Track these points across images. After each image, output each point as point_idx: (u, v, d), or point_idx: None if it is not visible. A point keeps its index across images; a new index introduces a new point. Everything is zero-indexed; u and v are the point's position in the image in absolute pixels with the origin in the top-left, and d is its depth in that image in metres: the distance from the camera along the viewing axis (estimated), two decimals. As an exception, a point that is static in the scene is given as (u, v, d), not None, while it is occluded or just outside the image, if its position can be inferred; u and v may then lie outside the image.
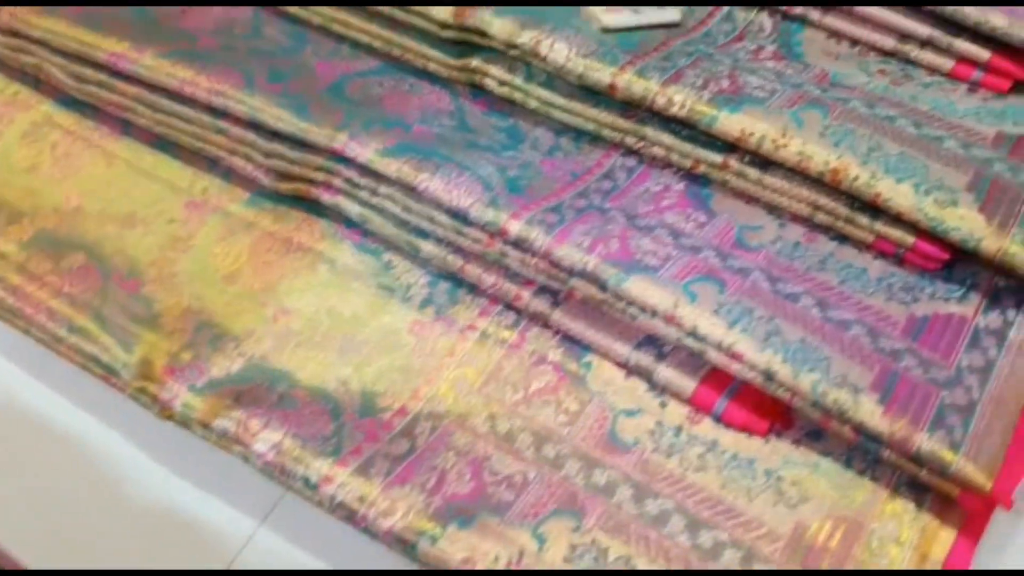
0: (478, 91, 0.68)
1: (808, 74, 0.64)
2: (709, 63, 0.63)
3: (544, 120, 0.66)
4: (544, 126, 0.66)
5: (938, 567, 0.51)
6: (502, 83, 0.66)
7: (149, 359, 0.58)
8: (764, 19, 0.70)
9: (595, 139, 0.65)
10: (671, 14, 0.68)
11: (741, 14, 0.70)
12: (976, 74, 0.64)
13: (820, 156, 0.56)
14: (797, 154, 0.57)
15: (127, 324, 0.61)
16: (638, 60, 0.62)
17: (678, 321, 0.53)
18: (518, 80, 0.65)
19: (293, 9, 0.72)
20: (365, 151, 0.61)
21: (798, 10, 0.68)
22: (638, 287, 0.54)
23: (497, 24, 0.64)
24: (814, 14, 0.68)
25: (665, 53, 0.64)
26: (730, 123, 0.58)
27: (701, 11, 0.70)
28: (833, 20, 0.68)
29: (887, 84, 0.64)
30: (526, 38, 0.63)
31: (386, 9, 0.67)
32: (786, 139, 0.57)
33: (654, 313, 0.54)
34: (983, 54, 0.63)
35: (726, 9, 0.70)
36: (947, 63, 0.65)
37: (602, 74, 0.61)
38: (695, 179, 0.62)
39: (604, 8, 0.67)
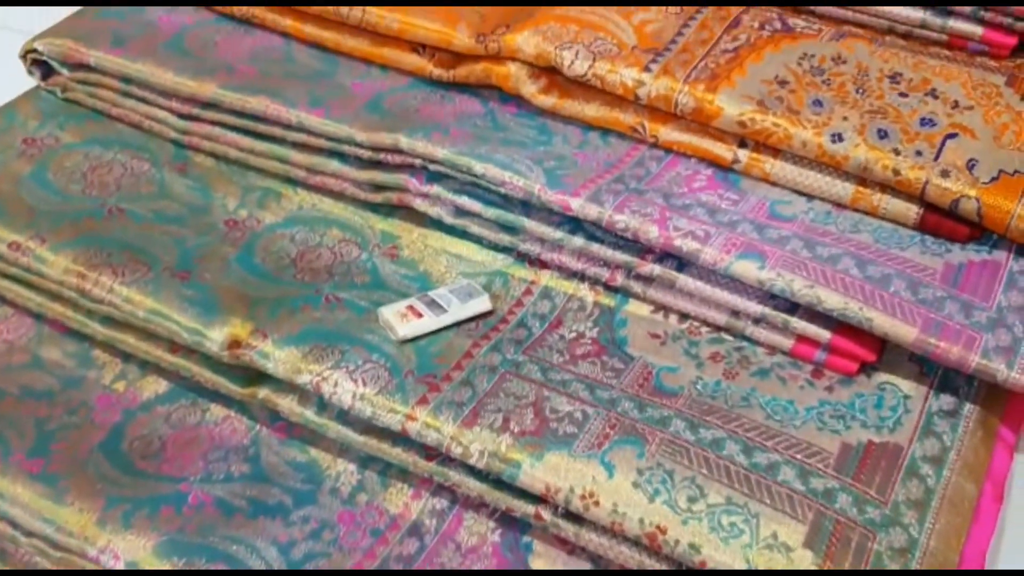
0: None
1: (628, 378, 0.56)
2: (515, 381, 0.55)
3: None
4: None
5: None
6: (295, 414, 0.57)
7: None
8: (585, 293, 0.61)
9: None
10: (479, 304, 0.60)
11: (561, 288, 0.62)
12: (819, 354, 0.56)
13: (634, 515, 0.48)
14: (609, 514, 0.49)
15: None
16: (434, 391, 0.54)
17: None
18: (310, 413, 0.57)
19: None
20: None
21: (620, 281, 0.60)
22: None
23: (276, 360, 0.55)
24: (636, 287, 0.60)
25: (468, 370, 0.55)
26: (532, 478, 0.50)
27: (517, 286, 0.62)
28: (656, 293, 0.59)
29: (719, 379, 0.56)
30: (307, 378, 0.55)
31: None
32: (595, 496, 0.49)
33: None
34: (823, 333, 0.55)
35: (543, 285, 0.62)
36: (786, 342, 0.57)
37: (392, 418, 0.53)
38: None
39: (400, 312, 0.58)
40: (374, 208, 0.67)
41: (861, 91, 0.62)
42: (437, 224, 0.65)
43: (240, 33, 0.76)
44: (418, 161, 0.63)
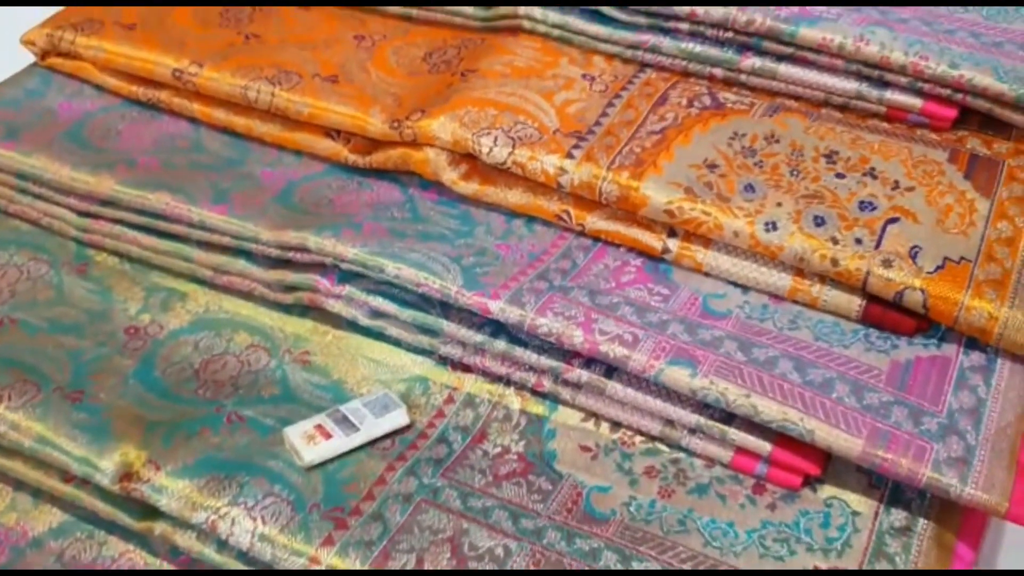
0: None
1: (555, 502, 0.50)
2: (432, 512, 0.50)
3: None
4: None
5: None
6: (193, 551, 0.52)
7: None
8: (511, 399, 0.57)
9: None
10: (395, 418, 0.54)
11: (486, 394, 0.57)
12: (760, 467, 0.51)
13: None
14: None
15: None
16: (341, 527, 0.48)
17: None
18: (209, 551, 0.51)
19: None
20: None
21: (547, 386, 0.55)
22: None
23: (169, 495, 0.50)
24: (565, 393, 0.55)
25: (380, 500, 0.50)
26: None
27: (439, 393, 0.57)
28: (587, 400, 0.55)
29: (654, 499, 0.51)
30: (202, 516, 0.49)
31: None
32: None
33: None
34: (763, 445, 0.50)
35: (466, 392, 0.57)
36: (725, 454, 0.52)
37: (294, 561, 0.47)
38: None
39: (307, 433, 0.53)
40: (286, 308, 0.62)
41: (796, 173, 0.58)
42: (352, 325, 0.60)
43: (146, 119, 0.70)
44: (328, 260, 0.58)
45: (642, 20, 0.65)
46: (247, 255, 0.61)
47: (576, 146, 0.60)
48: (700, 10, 0.63)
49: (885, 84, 0.61)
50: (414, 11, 0.72)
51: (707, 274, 0.57)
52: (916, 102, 0.60)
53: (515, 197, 0.61)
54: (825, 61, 0.61)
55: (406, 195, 0.64)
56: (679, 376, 0.51)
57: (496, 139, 0.60)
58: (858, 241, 0.54)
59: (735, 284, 0.57)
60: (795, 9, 0.63)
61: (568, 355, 0.54)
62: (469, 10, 0.71)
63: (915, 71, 0.59)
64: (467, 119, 0.61)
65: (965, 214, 0.55)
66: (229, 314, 0.62)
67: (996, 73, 0.58)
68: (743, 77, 0.64)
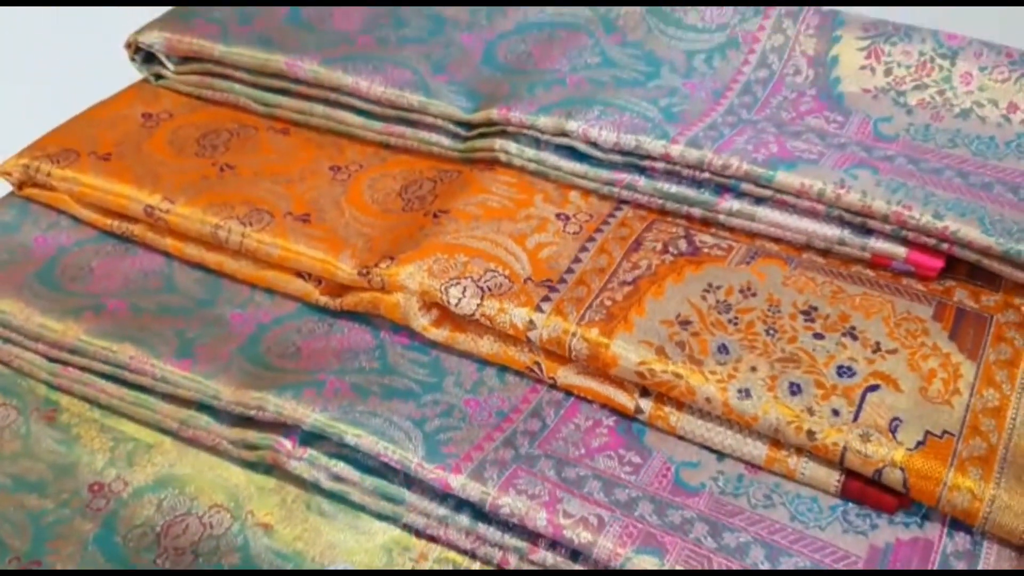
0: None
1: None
2: None
3: None
4: None
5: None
6: None
7: None
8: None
9: None
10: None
11: (451, 565, 0.54)
12: None
13: None
14: None
15: None
16: None
17: None
18: None
19: None
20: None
21: (513, 564, 0.52)
22: None
23: None
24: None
25: None
26: None
27: (403, 565, 0.54)
28: (554, 579, 0.52)
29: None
30: None
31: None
32: None
33: None
34: (732, 639, 0.47)
35: (432, 560, 0.54)
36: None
37: None
38: None
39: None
40: (252, 464, 0.60)
41: (772, 332, 0.55)
42: (317, 486, 0.58)
43: (120, 253, 0.69)
44: (290, 420, 0.56)
45: (617, 158, 0.63)
46: (211, 410, 0.59)
47: (546, 298, 0.57)
48: (675, 151, 0.61)
49: (868, 231, 0.58)
50: (392, 139, 0.71)
51: (681, 437, 0.54)
52: (900, 251, 0.57)
53: (486, 346, 0.59)
54: (806, 205, 0.59)
55: (377, 339, 0.62)
56: (646, 565, 0.48)
57: (465, 289, 0.58)
58: (835, 412, 0.50)
59: (710, 449, 0.54)
60: (774, 149, 0.60)
61: (534, 534, 0.51)
62: (447, 141, 0.69)
63: (898, 220, 0.56)
64: (436, 267, 0.59)
65: (950, 380, 0.52)
66: (195, 469, 0.59)
67: (983, 224, 0.55)
68: (721, 217, 0.61)
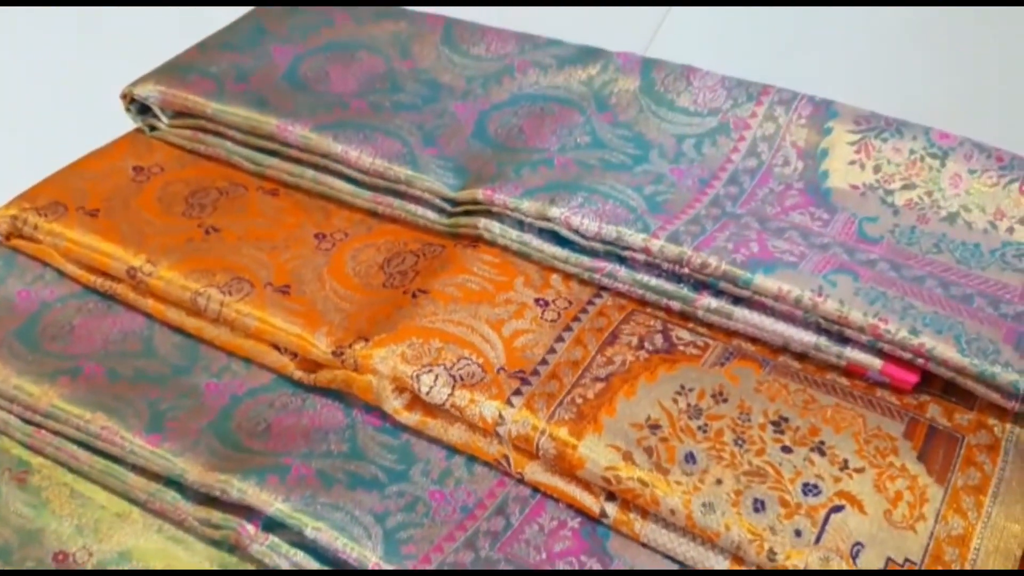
0: None
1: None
2: None
3: None
4: None
5: None
6: None
7: None
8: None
9: None
10: None
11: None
12: None
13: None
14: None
15: None
16: None
17: None
18: None
19: None
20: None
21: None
22: None
23: None
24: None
25: None
26: None
27: None
28: None
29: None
30: None
31: None
32: None
33: None
34: None
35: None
36: None
37: None
38: None
39: None
40: (217, 543, 0.59)
41: (740, 442, 0.54)
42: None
43: (102, 312, 0.68)
44: (252, 505, 0.56)
45: (599, 247, 0.62)
46: (179, 486, 0.59)
47: (517, 391, 0.57)
48: (655, 245, 0.60)
49: (845, 340, 0.57)
50: (380, 207, 0.70)
51: (645, 545, 0.54)
52: (876, 362, 0.57)
53: (456, 434, 0.58)
54: (784, 309, 0.58)
55: (349, 418, 0.61)
56: None
57: (437, 377, 0.57)
58: (798, 533, 0.50)
59: (674, 559, 0.53)
60: (755, 248, 0.60)
61: (487, 641, 0.51)
62: (432, 215, 0.69)
63: (874, 333, 0.55)
64: (410, 352, 0.59)
65: (915, 504, 0.51)
66: (160, 545, 0.59)
67: (959, 343, 0.54)
68: (700, 313, 0.61)
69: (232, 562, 0.58)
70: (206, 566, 0.58)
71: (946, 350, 0.54)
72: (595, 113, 0.73)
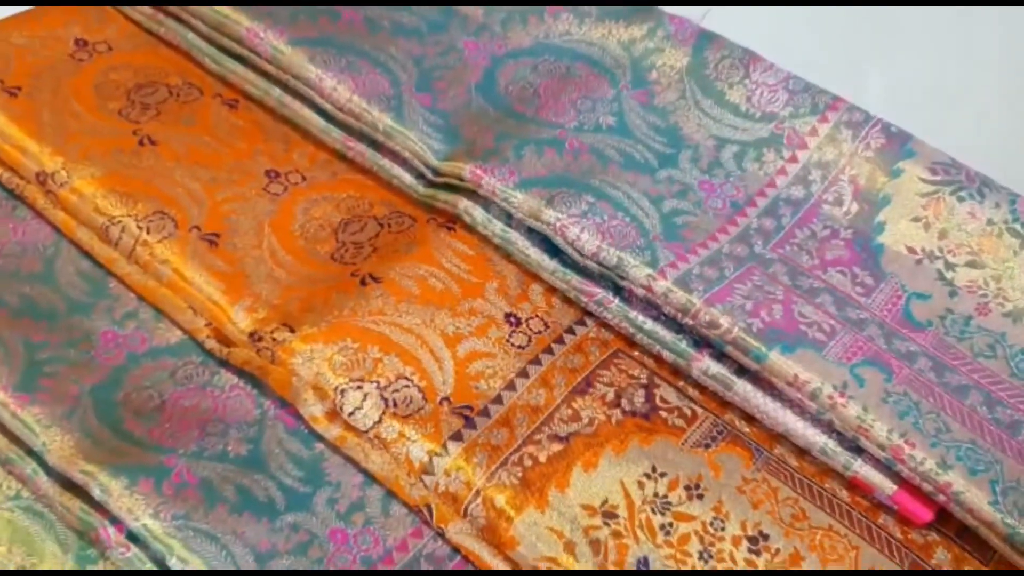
0: None
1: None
2: None
3: None
4: None
5: None
6: None
7: None
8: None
9: None
10: None
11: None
12: None
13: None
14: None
15: None
16: None
17: None
18: None
19: None
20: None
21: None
22: None
23: None
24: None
25: None
26: None
27: None
28: None
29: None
30: None
31: None
32: None
33: None
34: None
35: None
36: None
37: None
38: None
39: None
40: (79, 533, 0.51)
41: (706, 555, 0.45)
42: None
43: (6, 213, 0.58)
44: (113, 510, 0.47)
45: (594, 267, 0.52)
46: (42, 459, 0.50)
47: (457, 434, 0.47)
48: (660, 287, 0.49)
49: (858, 450, 0.48)
50: (350, 152, 0.59)
51: (568, 650, 0.45)
52: (888, 486, 0.47)
53: (377, 462, 0.49)
54: (794, 397, 0.48)
55: (259, 410, 0.51)
56: None
57: (366, 397, 0.47)
58: None
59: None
60: (777, 314, 0.49)
61: None
62: (408, 178, 0.57)
63: (896, 456, 0.46)
64: (339, 359, 0.48)
65: None
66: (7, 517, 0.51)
67: (993, 491, 0.44)
68: (694, 374, 0.51)
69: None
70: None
71: (977, 497, 0.44)
72: (628, 88, 0.61)
